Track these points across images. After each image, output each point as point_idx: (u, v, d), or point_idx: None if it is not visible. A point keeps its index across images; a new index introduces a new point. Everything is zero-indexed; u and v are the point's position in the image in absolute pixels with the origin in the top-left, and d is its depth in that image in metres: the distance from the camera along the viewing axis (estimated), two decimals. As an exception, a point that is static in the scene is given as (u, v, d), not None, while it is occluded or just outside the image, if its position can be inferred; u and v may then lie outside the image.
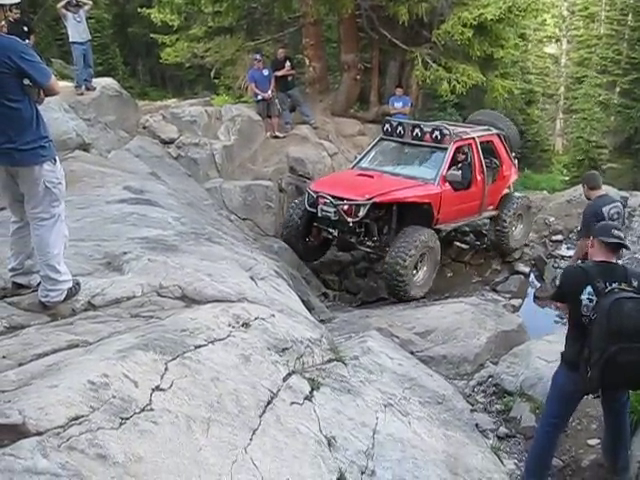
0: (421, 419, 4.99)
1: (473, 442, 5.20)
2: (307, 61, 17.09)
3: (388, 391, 5.09)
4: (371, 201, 9.35)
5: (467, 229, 11.80)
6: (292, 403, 3.99)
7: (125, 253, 5.50)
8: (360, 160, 11.35)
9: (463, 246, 11.53)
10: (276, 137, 14.58)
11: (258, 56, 14.81)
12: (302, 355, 4.64)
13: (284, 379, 4.17)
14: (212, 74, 20.26)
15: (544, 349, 7.09)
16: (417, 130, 10.73)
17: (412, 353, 6.95)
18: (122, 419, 2.97)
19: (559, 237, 12.68)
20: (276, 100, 14.70)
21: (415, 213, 9.88)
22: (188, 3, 16.66)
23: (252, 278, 5.90)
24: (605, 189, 13.92)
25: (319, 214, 9.89)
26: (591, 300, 4.19)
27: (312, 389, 4.31)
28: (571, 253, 11.54)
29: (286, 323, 4.88)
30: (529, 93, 30.38)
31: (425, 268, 9.80)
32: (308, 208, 10.16)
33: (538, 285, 11.30)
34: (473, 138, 10.79)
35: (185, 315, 4.30)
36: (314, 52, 16.79)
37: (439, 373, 6.60)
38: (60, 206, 4.28)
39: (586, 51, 35.58)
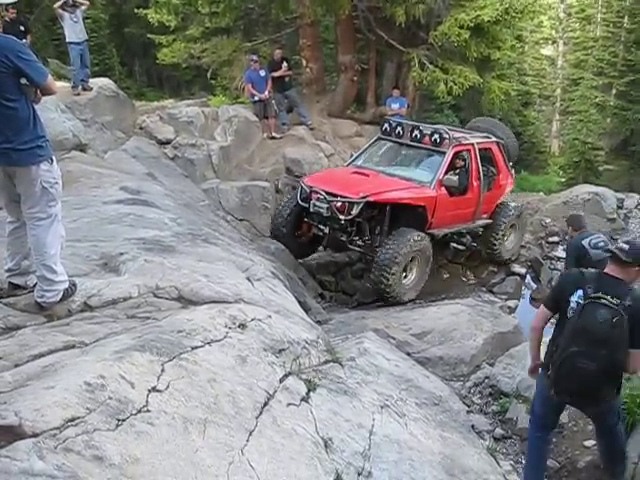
0: (417, 420, 4.99)
1: (469, 443, 5.20)
2: (304, 62, 17.08)
3: (385, 392, 5.09)
4: (365, 200, 9.19)
5: (464, 230, 11.72)
6: (289, 404, 3.99)
7: (122, 254, 5.49)
8: (356, 158, 11.24)
9: (459, 247, 11.51)
10: (273, 138, 14.59)
11: (255, 57, 14.81)
12: (299, 356, 4.64)
13: (280, 380, 4.17)
14: (209, 75, 20.24)
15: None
16: (416, 132, 10.58)
17: (408, 354, 6.95)
18: (118, 420, 2.97)
19: (555, 238, 12.71)
20: (273, 101, 14.70)
21: (409, 215, 9.75)
22: (185, 4, 16.68)
23: (249, 279, 5.90)
24: (601, 190, 14.11)
25: (311, 209, 9.72)
26: (578, 304, 4.18)
27: (309, 390, 4.31)
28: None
29: (283, 324, 4.87)
30: (525, 95, 30.46)
31: (415, 272, 9.63)
32: (300, 202, 10.03)
33: (534, 286, 11.31)
34: (472, 144, 10.65)
35: (182, 316, 4.29)
36: (311, 53, 16.79)
37: (435, 374, 6.60)
38: (57, 206, 4.27)
39: (582, 53, 35.63)
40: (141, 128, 13.23)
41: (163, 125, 13.49)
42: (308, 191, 9.77)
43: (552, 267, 11.65)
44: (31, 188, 4.10)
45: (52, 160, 4.22)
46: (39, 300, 4.28)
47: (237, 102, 17.78)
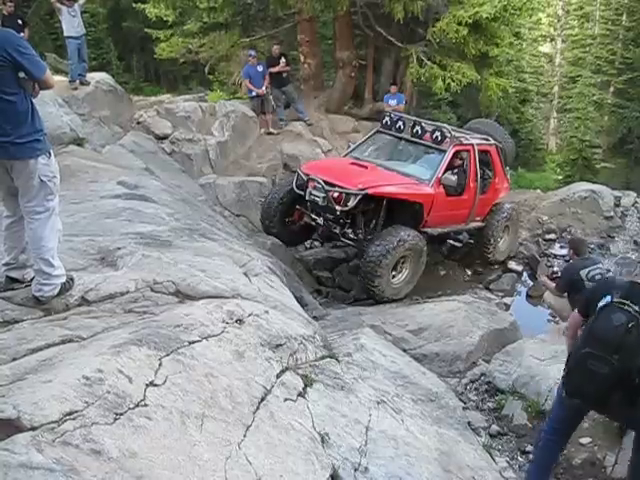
0: (414, 416, 5.00)
1: (465, 440, 5.21)
2: (302, 58, 17.07)
3: (381, 388, 5.11)
4: (364, 192, 9.01)
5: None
6: (285, 399, 3.99)
7: (119, 248, 5.49)
8: (354, 149, 11.11)
9: (456, 244, 11.50)
10: (270, 133, 14.60)
11: (253, 52, 14.81)
12: (295, 352, 4.65)
13: (277, 375, 4.18)
14: (206, 70, 20.24)
15: (537, 348, 7.14)
16: (418, 127, 10.47)
17: (405, 350, 6.97)
18: (116, 414, 2.97)
19: (552, 236, 12.73)
20: (270, 96, 14.71)
21: (405, 212, 9.63)
22: (183, -2, 16.64)
23: (246, 274, 5.91)
24: (598, 188, 14.13)
25: (307, 197, 9.55)
26: (601, 307, 4.15)
27: (305, 386, 4.32)
28: (564, 252, 11.60)
29: (280, 320, 4.88)
30: (523, 92, 30.41)
31: (406, 271, 9.43)
32: (296, 189, 9.87)
33: (531, 284, 11.33)
34: (472, 145, 10.55)
35: (179, 311, 4.30)
36: (309, 49, 16.77)
37: (432, 371, 6.61)
38: (54, 200, 4.27)
39: (580, 50, 35.64)
40: (138, 123, 13.24)
41: (160, 120, 13.50)
42: (305, 179, 9.64)
43: (549, 264, 11.65)
44: (29, 182, 4.10)
45: (50, 154, 4.22)
46: (37, 294, 4.28)
47: (235, 97, 17.82)
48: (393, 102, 15.16)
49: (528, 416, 6.00)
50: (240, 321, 4.39)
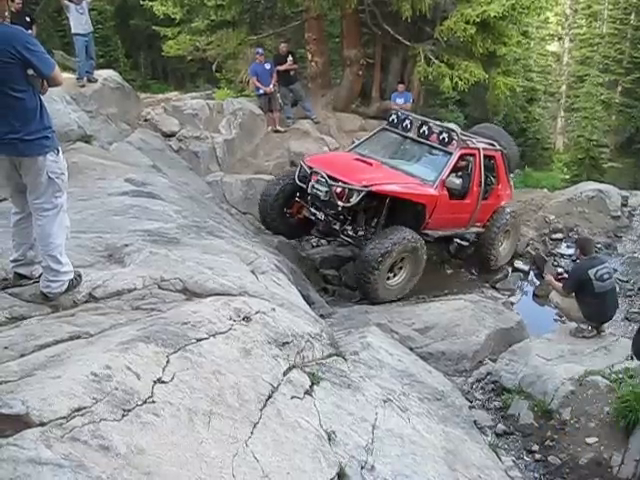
0: (420, 415, 5.01)
1: (471, 439, 5.22)
2: (309, 56, 17.06)
3: (387, 387, 5.11)
4: (367, 189, 8.83)
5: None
6: (292, 397, 4.00)
7: (126, 245, 5.51)
8: (358, 145, 10.94)
9: (463, 243, 11.48)
10: (277, 131, 14.59)
11: (260, 50, 14.79)
12: (302, 349, 4.65)
13: (284, 373, 4.18)
14: (214, 68, 20.24)
15: (543, 347, 7.14)
16: (425, 128, 10.33)
17: (411, 349, 6.98)
18: (124, 411, 2.98)
19: (559, 235, 12.68)
20: (278, 94, 14.71)
21: (407, 212, 9.47)
22: (191, -4, 16.65)
23: (253, 272, 5.92)
24: (606, 188, 14.09)
25: (309, 190, 9.37)
26: None
27: (312, 383, 4.33)
28: (571, 251, 11.58)
29: (287, 317, 4.89)
30: (531, 91, 30.38)
31: (403, 273, 9.26)
32: (298, 182, 9.67)
33: (538, 283, 11.31)
34: (478, 149, 10.39)
35: (186, 308, 4.31)
36: (316, 47, 16.76)
37: (438, 369, 6.62)
38: (63, 197, 4.28)
39: (588, 50, 35.56)
40: (146, 120, 13.26)
41: (168, 117, 13.53)
42: (308, 171, 9.48)
43: (555, 264, 11.63)
44: (37, 179, 4.11)
45: (58, 151, 4.24)
46: (44, 290, 4.29)
47: (242, 95, 17.78)
48: (400, 100, 15.12)
49: (534, 415, 5.99)
50: (247, 319, 4.40)
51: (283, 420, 3.70)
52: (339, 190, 9.00)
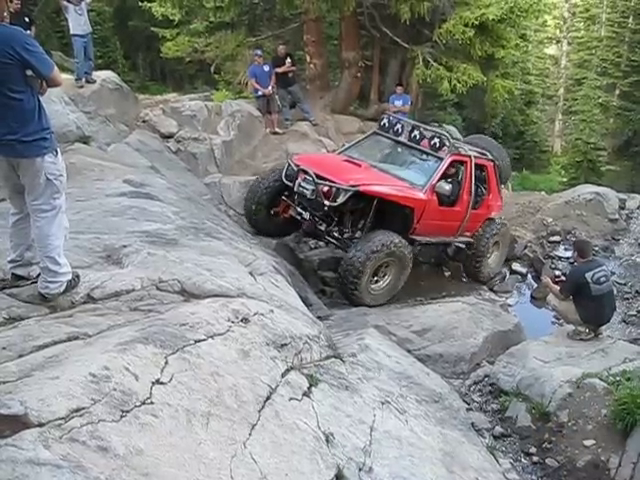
0: (418, 417, 5.01)
1: (469, 441, 5.23)
2: (308, 58, 17.07)
3: (385, 389, 5.12)
4: (354, 189, 8.64)
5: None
6: (291, 399, 4.00)
7: (125, 246, 5.51)
8: (348, 148, 10.79)
9: (461, 245, 11.48)
10: (276, 133, 14.59)
11: (259, 52, 14.79)
12: (300, 351, 4.66)
13: (283, 375, 4.19)
14: (212, 69, 20.24)
15: (541, 349, 7.15)
16: (416, 132, 10.17)
17: (409, 351, 6.98)
18: (123, 412, 2.98)
19: (557, 238, 12.70)
20: (276, 96, 14.69)
21: (394, 216, 9.27)
22: (189, -3, 16.64)
23: (251, 274, 5.92)
24: (603, 191, 14.12)
25: (295, 188, 9.17)
26: None
27: (310, 385, 4.33)
28: (568, 254, 11.61)
29: (285, 319, 4.89)
30: (529, 94, 30.48)
31: (388, 278, 9.06)
32: (284, 180, 9.51)
33: (535, 285, 11.32)
34: (470, 157, 10.23)
35: (185, 309, 4.31)
36: (315, 49, 16.77)
37: (436, 372, 6.63)
38: (61, 198, 4.28)
39: (586, 53, 35.66)
40: (144, 121, 13.25)
41: (166, 119, 13.52)
42: (296, 170, 9.29)
43: (553, 266, 11.65)
44: (35, 180, 4.10)
45: (57, 152, 4.23)
46: (42, 291, 4.29)
47: (240, 97, 17.80)
48: (399, 103, 15.13)
49: (532, 418, 6.00)
50: (245, 320, 4.40)
51: (281, 422, 3.71)
52: (326, 189, 8.82)
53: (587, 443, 5.49)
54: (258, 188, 9.99)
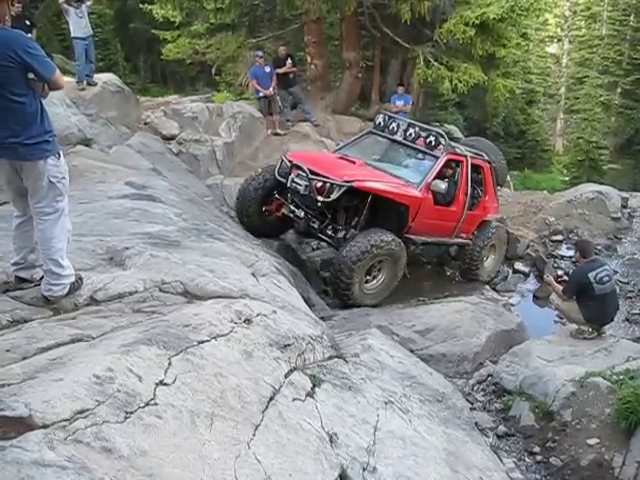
0: (421, 417, 5.01)
1: (473, 440, 5.22)
2: (308, 59, 17.11)
3: (389, 388, 5.11)
4: (348, 184, 8.47)
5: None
6: (294, 399, 4.00)
7: (127, 248, 5.51)
8: (343, 147, 10.72)
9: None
10: (277, 134, 14.62)
11: (260, 53, 14.82)
12: (303, 352, 4.66)
13: (286, 375, 4.18)
14: (213, 71, 20.28)
15: (544, 349, 7.15)
16: (411, 130, 10.08)
17: (412, 351, 6.97)
18: (127, 413, 2.98)
19: (559, 237, 12.69)
20: (277, 97, 14.71)
21: (389, 213, 9.15)
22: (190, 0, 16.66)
23: (254, 274, 5.93)
24: (606, 189, 14.11)
25: (288, 184, 8.98)
26: None
27: (314, 385, 4.33)
28: (571, 253, 11.60)
29: (288, 320, 4.89)
30: (530, 93, 30.48)
31: (381, 277, 8.93)
32: (277, 177, 9.30)
33: (538, 285, 11.31)
34: (466, 156, 10.19)
35: (188, 311, 4.31)
36: (316, 50, 16.80)
37: (439, 371, 6.61)
38: (64, 201, 4.28)
39: (587, 51, 35.66)
40: (146, 123, 13.29)
41: (167, 121, 13.57)
42: (289, 165, 9.11)
43: (555, 265, 11.65)
44: (38, 183, 4.11)
45: (59, 155, 4.23)
46: (46, 294, 4.30)
47: (241, 98, 17.85)
48: (400, 103, 15.15)
49: (535, 417, 5.99)
50: (248, 321, 4.40)
51: (285, 422, 3.71)
52: (319, 185, 8.63)
53: (591, 442, 5.48)
54: (250, 186, 9.74)
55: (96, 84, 12.46)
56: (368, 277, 8.79)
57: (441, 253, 11.46)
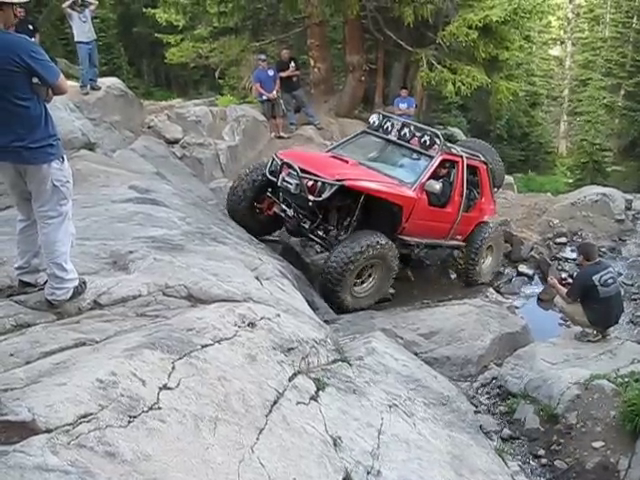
0: (426, 420, 4.99)
1: (477, 443, 5.20)
2: (312, 62, 17.12)
3: (393, 392, 5.10)
4: (340, 183, 8.25)
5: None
6: (298, 403, 4.00)
7: (131, 252, 5.50)
8: (336, 147, 10.53)
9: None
10: (280, 137, 14.62)
11: (263, 56, 14.84)
12: (307, 355, 4.65)
13: (290, 379, 4.18)
14: (217, 74, 20.31)
15: (548, 351, 7.13)
16: (406, 130, 9.92)
17: (416, 354, 6.96)
18: (130, 417, 2.98)
19: (563, 239, 12.66)
20: (281, 101, 14.73)
21: (382, 214, 8.90)
22: (193, 3, 16.70)
23: (257, 278, 5.91)
24: (609, 191, 14.09)
25: (279, 183, 8.77)
26: None
27: (318, 389, 4.32)
28: (575, 255, 11.57)
29: (291, 323, 4.89)
30: (533, 95, 30.48)
31: (373, 280, 8.74)
32: (268, 175, 9.09)
33: (542, 287, 11.28)
34: (461, 157, 10.01)
35: (191, 314, 4.31)
36: (319, 53, 16.81)
37: (443, 374, 6.59)
38: (68, 204, 4.28)
39: (591, 53, 35.64)
40: (149, 127, 13.30)
41: (171, 124, 13.57)
42: (280, 164, 8.90)
43: (560, 268, 11.62)
44: (42, 187, 4.11)
45: (63, 159, 4.23)
46: (49, 298, 4.29)
47: (245, 102, 17.85)
48: (404, 105, 15.14)
49: (540, 420, 5.98)
50: (252, 325, 4.40)
51: (289, 426, 3.70)
52: (310, 183, 8.44)
53: (596, 445, 5.47)
54: (242, 184, 9.54)
55: (100, 88, 12.48)
56: (357, 280, 8.61)
57: (445, 256, 11.43)
